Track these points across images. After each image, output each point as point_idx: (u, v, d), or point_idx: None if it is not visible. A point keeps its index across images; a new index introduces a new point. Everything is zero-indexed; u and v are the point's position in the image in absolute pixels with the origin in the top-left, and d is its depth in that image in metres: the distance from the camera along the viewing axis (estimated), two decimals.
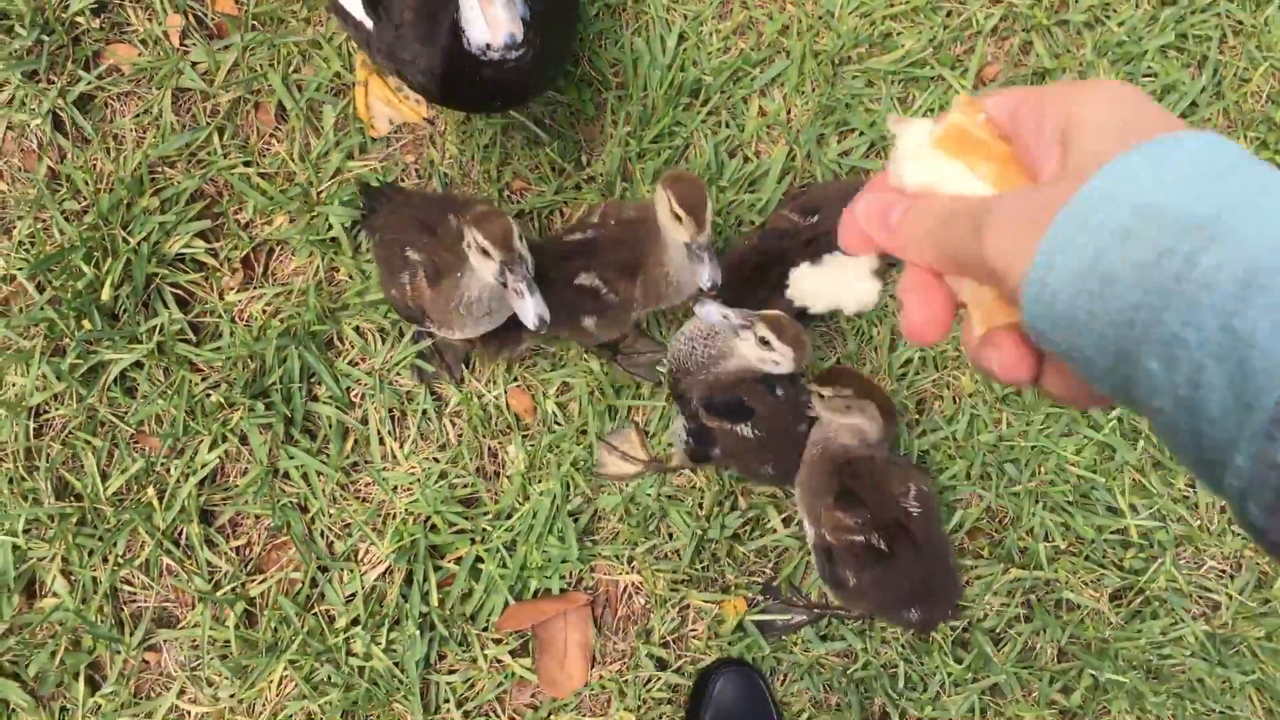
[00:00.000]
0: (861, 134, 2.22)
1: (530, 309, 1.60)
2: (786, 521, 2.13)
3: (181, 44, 2.15)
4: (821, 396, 1.80)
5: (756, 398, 1.87)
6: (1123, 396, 0.61)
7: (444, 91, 1.72)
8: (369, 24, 1.72)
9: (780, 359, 1.73)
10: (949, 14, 2.28)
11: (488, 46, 1.58)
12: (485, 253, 1.60)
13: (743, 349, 1.77)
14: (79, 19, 2.11)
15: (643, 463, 2.09)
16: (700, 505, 2.11)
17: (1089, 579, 2.18)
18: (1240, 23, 2.31)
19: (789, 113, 2.23)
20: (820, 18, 2.25)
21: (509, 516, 2.08)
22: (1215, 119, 2.30)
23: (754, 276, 1.93)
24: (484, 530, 2.07)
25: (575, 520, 2.09)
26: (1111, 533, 2.18)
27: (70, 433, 2.04)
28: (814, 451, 1.88)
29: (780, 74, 2.22)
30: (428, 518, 2.06)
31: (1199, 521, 2.20)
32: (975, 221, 0.67)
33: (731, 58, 2.21)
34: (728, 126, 2.20)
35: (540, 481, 2.09)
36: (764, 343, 1.72)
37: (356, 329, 2.10)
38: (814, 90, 2.23)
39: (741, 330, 1.72)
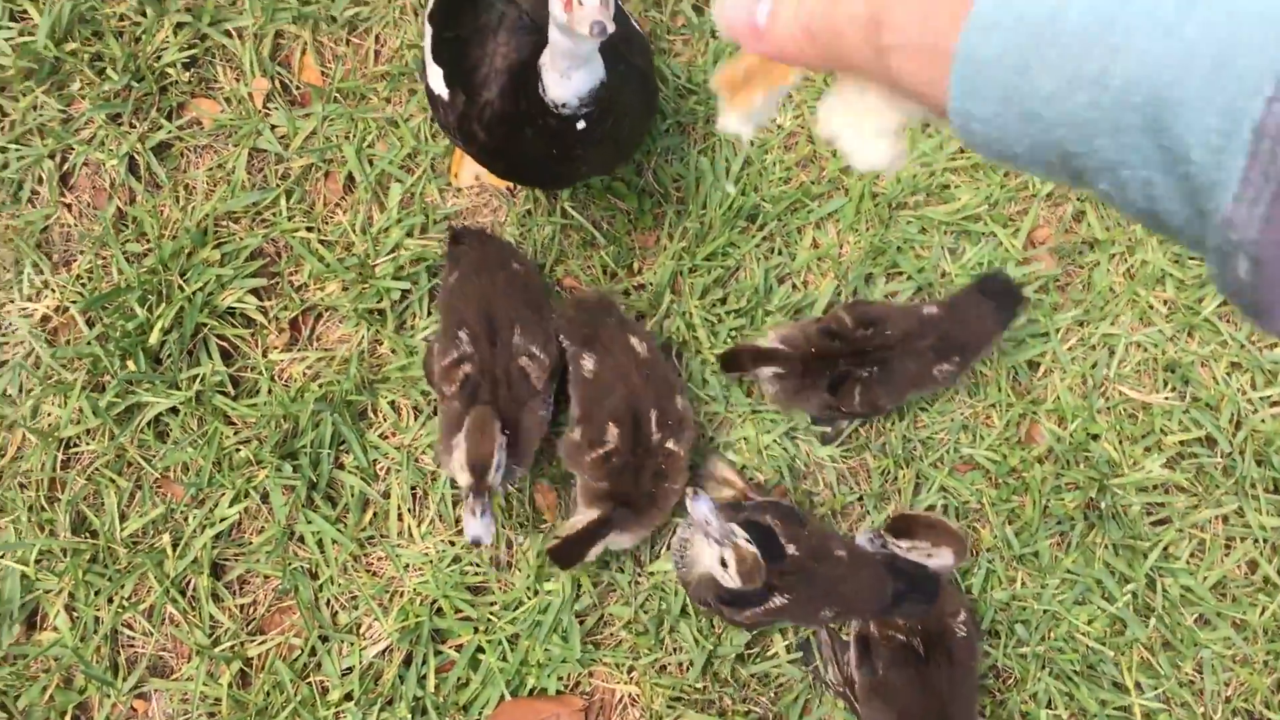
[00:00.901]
0: (909, 278, 2.28)
1: (472, 529, 1.73)
2: (789, 649, 2.13)
3: (264, 106, 2.23)
4: (901, 548, 1.88)
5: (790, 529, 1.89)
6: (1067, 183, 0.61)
7: (508, 153, 1.77)
8: (445, 95, 1.79)
9: (727, 579, 1.77)
10: (1006, 174, 2.36)
11: (561, 105, 1.62)
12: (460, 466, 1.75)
13: (704, 554, 1.81)
14: (170, 70, 2.20)
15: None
16: (713, 623, 2.12)
17: None
18: None
19: (841, 248, 2.29)
20: None
21: (516, 608, 2.10)
22: None
23: (810, 376, 2.04)
24: (488, 619, 2.08)
25: (581, 622, 2.10)
26: (1115, 708, 2.17)
27: (96, 469, 2.07)
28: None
29: (837, 210, 2.29)
30: (435, 600, 2.08)
31: (1203, 709, 2.20)
32: (869, 13, 0.62)
33: (792, 188, 2.29)
34: (780, 254, 2.27)
35: (551, 579, 2.10)
36: (722, 563, 1.75)
37: (391, 403, 2.14)
38: (868, 230, 2.30)
39: (712, 540, 1.73)
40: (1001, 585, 2.19)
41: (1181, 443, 2.28)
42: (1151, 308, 2.32)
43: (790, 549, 1.83)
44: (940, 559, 1.94)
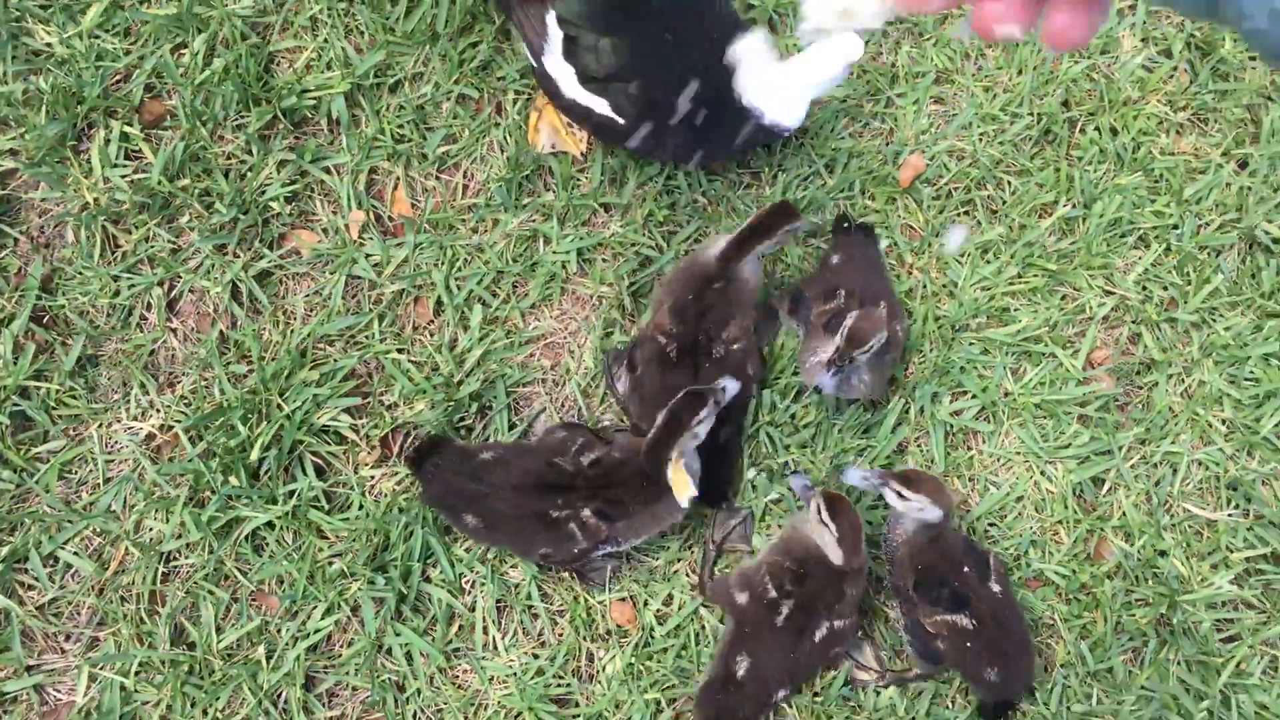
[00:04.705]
0: (974, 397, 2.44)
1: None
2: None
3: (359, 237, 2.45)
4: (902, 496, 2.10)
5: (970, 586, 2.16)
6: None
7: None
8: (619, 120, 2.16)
9: (921, 506, 2.09)
10: (1064, 297, 2.54)
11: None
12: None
13: (894, 504, 2.13)
14: (272, 203, 2.43)
15: (878, 673, 2.27)
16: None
17: None
18: None
19: (907, 369, 2.46)
20: (944, 285, 2.51)
21: None
22: None
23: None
24: None
25: None
26: None
27: (195, 582, 2.21)
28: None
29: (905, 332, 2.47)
30: (519, 713, 2.18)
31: None
32: None
33: None
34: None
35: (642, 691, 2.20)
36: (900, 495, 2.10)
37: None
38: (932, 350, 2.47)
39: (879, 486, 2.12)
40: (1078, 699, 2.28)
41: (1248, 559, 2.39)
42: (1211, 426, 2.46)
43: None
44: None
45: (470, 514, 2.15)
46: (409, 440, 2.34)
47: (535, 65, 2.21)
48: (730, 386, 2.10)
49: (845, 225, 2.45)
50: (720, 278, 2.25)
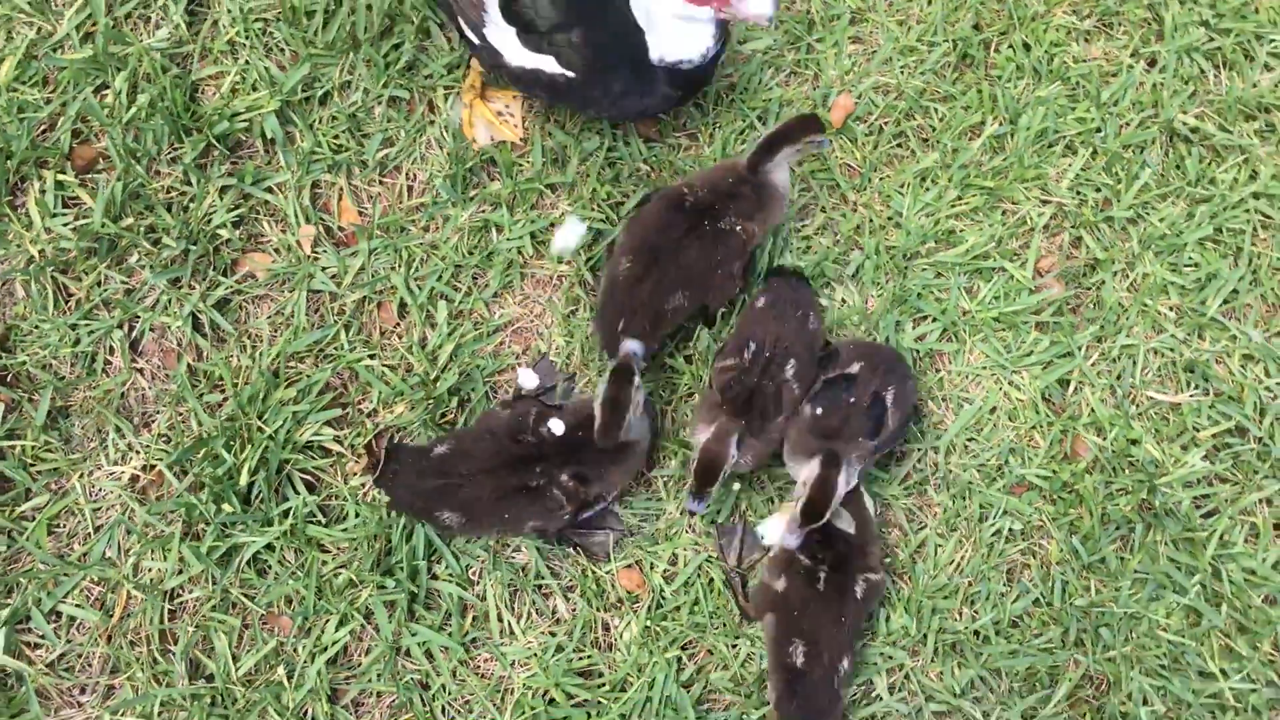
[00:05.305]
0: (935, 320, 2.52)
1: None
2: (892, 689, 2.29)
3: (312, 251, 2.45)
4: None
5: None
6: None
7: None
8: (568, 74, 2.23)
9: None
10: (1004, 212, 2.62)
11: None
12: None
13: None
14: (220, 230, 2.42)
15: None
16: None
17: None
18: (1268, 216, 2.66)
19: (867, 302, 2.53)
20: (890, 218, 2.59)
21: (623, 689, 2.24)
22: (1255, 304, 2.61)
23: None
24: (599, 702, 2.22)
25: (688, 690, 2.24)
26: (1208, 696, 2.34)
27: (204, 615, 2.21)
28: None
29: (859, 269, 2.54)
30: (546, 691, 2.22)
31: None
32: None
33: (812, 255, 2.53)
34: None
35: (661, 651, 2.25)
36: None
37: None
38: (888, 281, 2.54)
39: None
40: (1078, 593, 2.37)
41: (1214, 435, 2.50)
42: (1161, 315, 2.57)
43: None
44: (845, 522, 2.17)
45: (446, 510, 2.17)
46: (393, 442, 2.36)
47: (477, 43, 2.25)
48: (632, 346, 2.22)
49: (778, 268, 2.48)
50: (751, 180, 2.33)
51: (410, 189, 2.53)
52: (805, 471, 2.15)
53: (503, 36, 2.20)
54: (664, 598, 2.31)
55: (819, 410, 2.26)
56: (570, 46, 2.19)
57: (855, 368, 2.29)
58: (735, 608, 2.30)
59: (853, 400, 2.26)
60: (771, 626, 2.19)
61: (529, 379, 2.31)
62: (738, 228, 2.31)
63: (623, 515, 2.34)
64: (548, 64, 2.21)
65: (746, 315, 2.38)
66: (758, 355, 2.26)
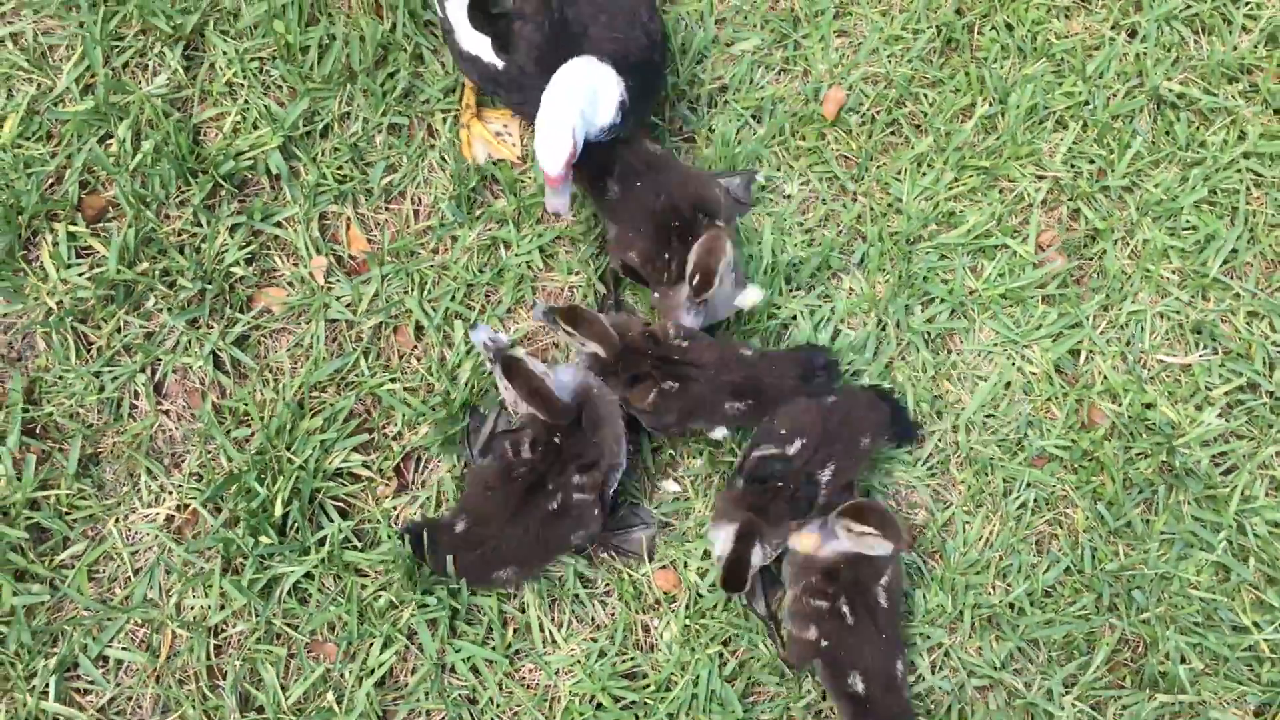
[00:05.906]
0: (943, 301, 2.56)
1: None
2: (934, 667, 2.32)
3: (326, 281, 2.49)
4: (850, 531, 2.11)
5: None
6: None
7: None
8: (499, 64, 2.31)
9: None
10: (1002, 190, 2.67)
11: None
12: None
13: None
14: (234, 268, 2.46)
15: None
16: None
17: (1230, 698, 2.36)
18: (1259, 174, 2.71)
19: (875, 289, 2.57)
20: (890, 204, 2.63)
21: (668, 688, 2.27)
22: (1255, 262, 2.65)
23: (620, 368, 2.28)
24: (646, 703, 2.25)
25: (732, 684, 2.27)
26: (1244, 649, 2.37)
27: (249, 648, 2.24)
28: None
29: (863, 257, 2.58)
30: (593, 697, 2.24)
31: None
32: None
33: (817, 248, 2.57)
34: (822, 305, 2.54)
35: (704, 648, 2.28)
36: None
37: None
38: (893, 267, 2.58)
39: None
40: (1108, 559, 2.41)
41: (1227, 393, 2.54)
42: (1164, 279, 2.61)
43: None
44: (881, 548, 2.13)
45: (499, 569, 2.22)
46: (421, 464, 2.40)
47: (440, 14, 2.39)
48: (477, 336, 2.31)
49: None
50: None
51: (417, 213, 2.57)
52: (720, 545, 2.20)
53: (459, 14, 2.31)
54: (700, 595, 2.34)
55: (748, 488, 2.23)
56: (512, 35, 2.27)
57: (795, 447, 2.23)
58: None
59: (780, 485, 2.21)
60: (820, 669, 2.20)
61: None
62: None
63: (652, 512, 2.38)
64: (485, 50, 2.32)
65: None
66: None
